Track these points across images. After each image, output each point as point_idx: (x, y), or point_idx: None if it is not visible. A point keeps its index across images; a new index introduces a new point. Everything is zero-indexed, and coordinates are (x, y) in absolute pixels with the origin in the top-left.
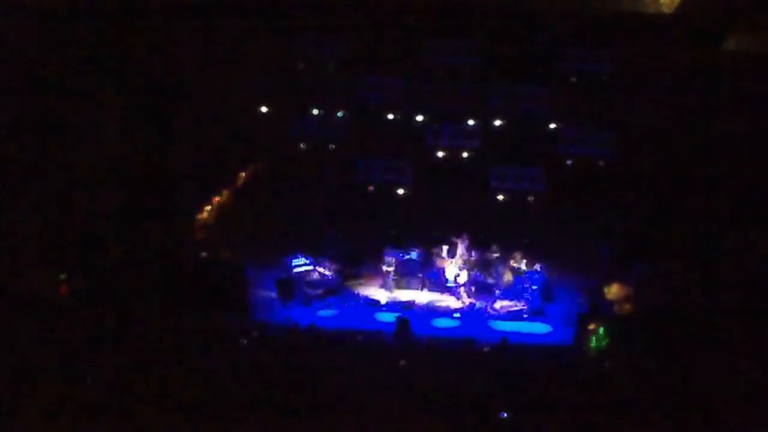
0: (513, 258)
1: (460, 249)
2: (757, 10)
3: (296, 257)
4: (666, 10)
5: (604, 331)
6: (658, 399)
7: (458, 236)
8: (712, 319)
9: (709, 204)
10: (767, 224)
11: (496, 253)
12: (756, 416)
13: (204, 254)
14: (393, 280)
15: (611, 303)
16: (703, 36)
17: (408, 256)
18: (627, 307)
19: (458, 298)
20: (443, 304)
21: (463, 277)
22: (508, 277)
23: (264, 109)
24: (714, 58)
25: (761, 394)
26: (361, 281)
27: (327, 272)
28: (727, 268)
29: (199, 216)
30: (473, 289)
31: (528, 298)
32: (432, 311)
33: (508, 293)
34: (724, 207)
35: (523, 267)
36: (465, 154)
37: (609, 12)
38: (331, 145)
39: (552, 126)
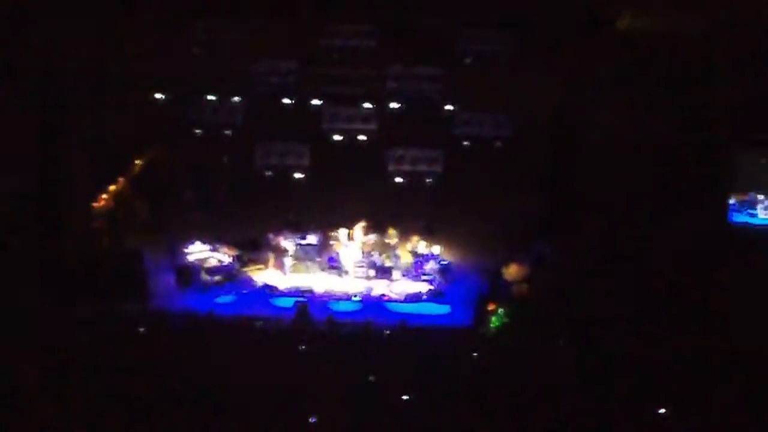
0: (411, 240)
1: (358, 232)
2: None
3: (193, 243)
4: None
5: (502, 312)
6: (557, 378)
7: (355, 220)
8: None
9: (606, 184)
10: (664, 204)
11: (393, 236)
12: (654, 395)
13: (101, 242)
14: (291, 265)
15: (509, 283)
16: (598, 16)
17: (306, 241)
18: (524, 287)
19: (355, 281)
20: (342, 288)
21: (361, 261)
22: (406, 259)
23: (159, 96)
24: (608, 37)
25: (657, 373)
26: (260, 267)
27: (225, 258)
28: (623, 248)
29: (96, 204)
30: (372, 272)
31: (427, 281)
32: (331, 295)
33: (407, 276)
34: (621, 187)
35: (421, 249)
36: (362, 137)
37: None
38: (227, 131)
39: (448, 108)
